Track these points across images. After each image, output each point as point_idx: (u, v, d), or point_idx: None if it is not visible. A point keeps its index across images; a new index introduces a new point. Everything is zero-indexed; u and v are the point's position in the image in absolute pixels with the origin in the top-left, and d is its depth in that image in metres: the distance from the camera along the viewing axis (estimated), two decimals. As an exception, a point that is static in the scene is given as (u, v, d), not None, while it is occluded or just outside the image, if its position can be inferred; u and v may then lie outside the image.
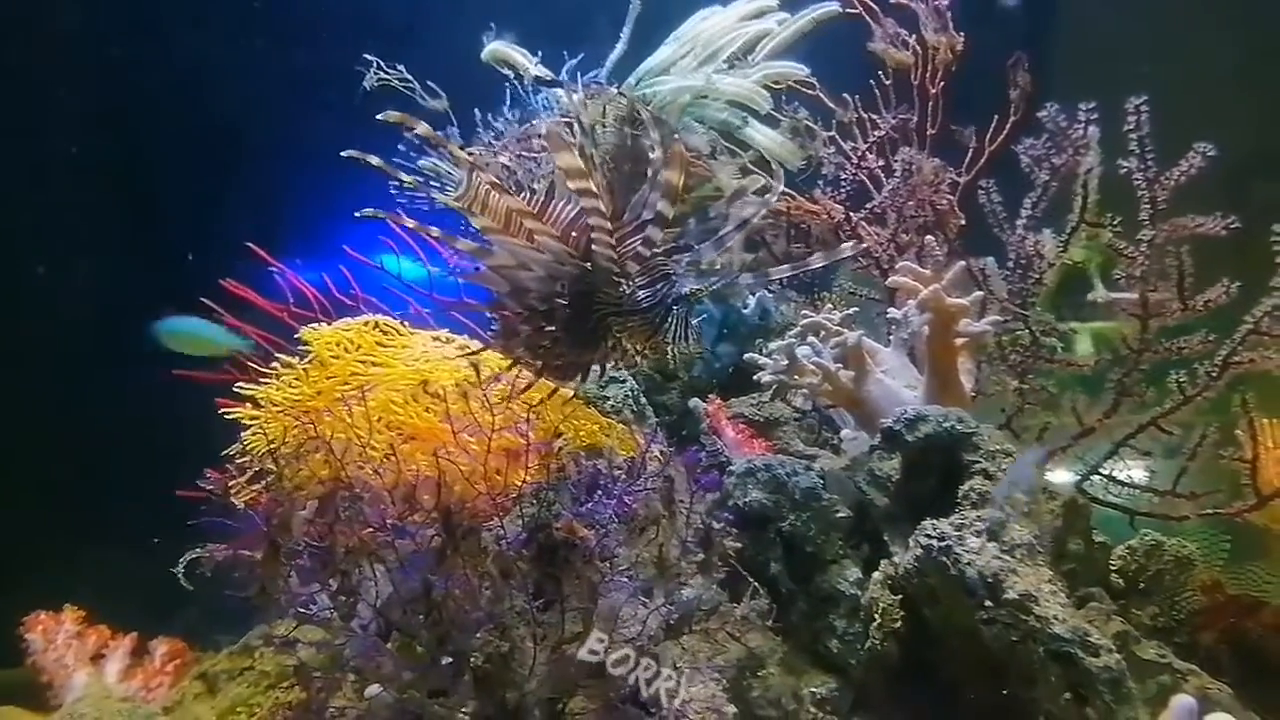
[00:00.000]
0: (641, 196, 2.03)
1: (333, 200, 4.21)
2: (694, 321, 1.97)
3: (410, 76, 3.03)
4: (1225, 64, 3.95)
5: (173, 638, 2.79)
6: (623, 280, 1.94)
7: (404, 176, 2.06)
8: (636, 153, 2.49)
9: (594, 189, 1.81)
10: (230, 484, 1.99)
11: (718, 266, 2.01)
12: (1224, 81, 3.93)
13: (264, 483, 1.93)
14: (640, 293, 1.93)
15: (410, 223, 2.01)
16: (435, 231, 1.96)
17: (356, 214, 2.20)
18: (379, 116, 1.95)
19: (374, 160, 2.02)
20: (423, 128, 1.93)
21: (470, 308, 2.30)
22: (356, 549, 1.74)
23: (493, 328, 2.00)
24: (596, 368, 2.09)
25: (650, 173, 2.00)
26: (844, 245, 2.42)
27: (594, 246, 1.89)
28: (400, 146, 2.43)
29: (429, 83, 2.99)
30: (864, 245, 2.84)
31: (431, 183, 2.36)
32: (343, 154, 2.06)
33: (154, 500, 2.46)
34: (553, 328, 1.95)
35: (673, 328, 1.94)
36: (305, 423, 1.83)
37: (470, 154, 2.28)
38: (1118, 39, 4.06)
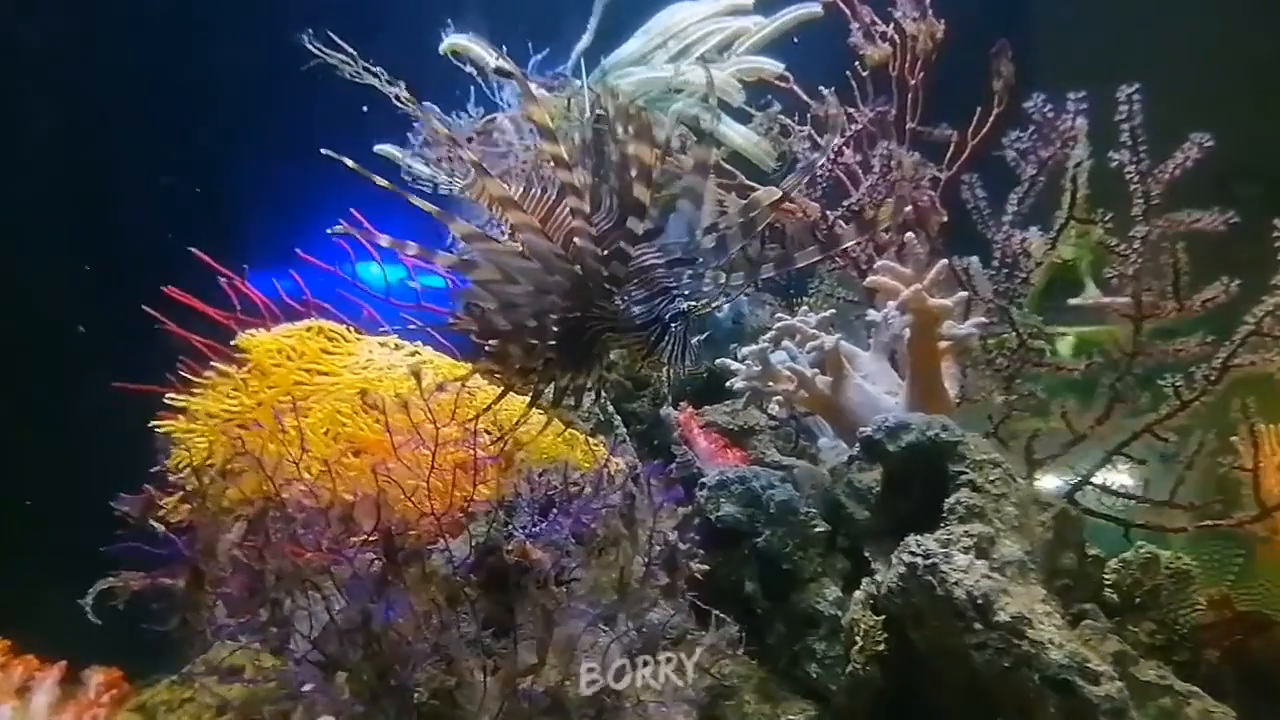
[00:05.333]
0: (611, 184, 1.93)
1: (290, 202, 4.11)
2: (693, 341, 1.88)
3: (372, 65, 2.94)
4: (1214, 64, 3.87)
5: (109, 667, 2.61)
6: (615, 290, 1.84)
7: (379, 180, 1.92)
8: (600, 148, 2.37)
9: (571, 172, 1.70)
10: (159, 504, 1.85)
11: (721, 281, 1.93)
12: (1211, 80, 3.86)
13: (189, 503, 1.77)
14: (636, 308, 1.85)
15: (384, 240, 1.91)
16: (413, 248, 1.86)
17: (329, 231, 2.12)
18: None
19: (349, 162, 1.89)
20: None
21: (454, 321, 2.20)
22: (289, 575, 1.62)
23: (484, 350, 1.90)
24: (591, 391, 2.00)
25: (617, 156, 1.89)
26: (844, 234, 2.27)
27: (575, 239, 1.79)
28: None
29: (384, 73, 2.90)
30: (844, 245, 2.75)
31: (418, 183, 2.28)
32: (322, 151, 1.93)
33: (87, 521, 2.33)
34: (546, 347, 1.85)
35: (670, 347, 1.86)
36: (233, 437, 1.67)
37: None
38: (1104, 28, 3.98)
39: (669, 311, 1.84)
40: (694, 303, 1.86)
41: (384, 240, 1.98)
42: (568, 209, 1.88)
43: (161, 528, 1.63)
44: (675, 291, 1.86)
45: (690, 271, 1.89)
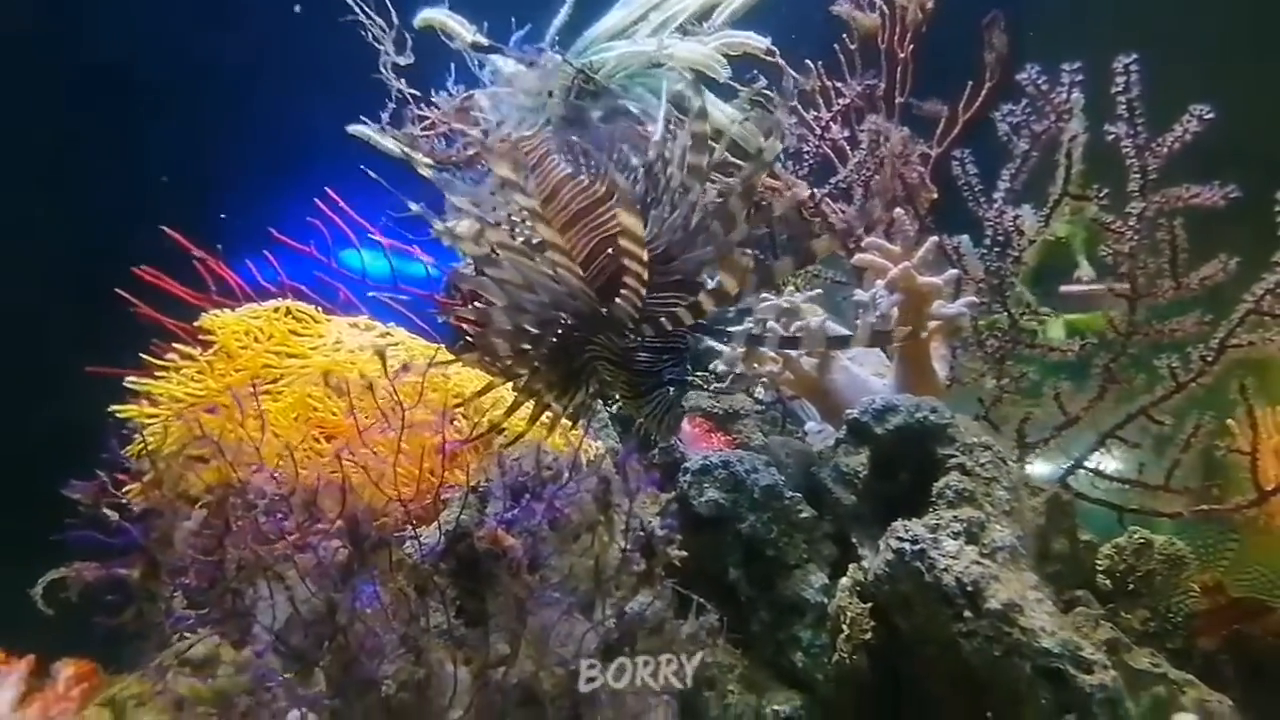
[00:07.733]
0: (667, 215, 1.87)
1: (266, 185, 4.03)
2: (678, 410, 1.86)
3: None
4: (1205, 45, 3.80)
5: (81, 659, 2.53)
6: (630, 332, 1.80)
7: (423, 167, 2.03)
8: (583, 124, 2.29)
9: (642, 251, 1.64)
10: (114, 491, 1.77)
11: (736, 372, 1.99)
12: (1202, 63, 3.79)
13: (144, 490, 1.70)
14: (643, 353, 1.80)
15: (415, 208, 1.89)
16: (439, 225, 1.82)
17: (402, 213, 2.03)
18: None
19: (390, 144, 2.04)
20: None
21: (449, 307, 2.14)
22: (250, 564, 1.56)
23: (470, 338, 1.85)
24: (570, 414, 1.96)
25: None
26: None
27: (619, 299, 1.73)
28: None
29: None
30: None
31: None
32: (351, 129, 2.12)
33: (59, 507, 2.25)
34: (538, 356, 1.81)
35: (655, 405, 1.82)
36: (190, 421, 1.60)
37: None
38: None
39: (671, 374, 1.80)
40: (693, 378, 1.83)
41: (415, 208, 1.92)
42: (609, 216, 1.84)
43: (115, 515, 1.56)
44: (687, 357, 1.84)
45: (710, 345, 1.84)
